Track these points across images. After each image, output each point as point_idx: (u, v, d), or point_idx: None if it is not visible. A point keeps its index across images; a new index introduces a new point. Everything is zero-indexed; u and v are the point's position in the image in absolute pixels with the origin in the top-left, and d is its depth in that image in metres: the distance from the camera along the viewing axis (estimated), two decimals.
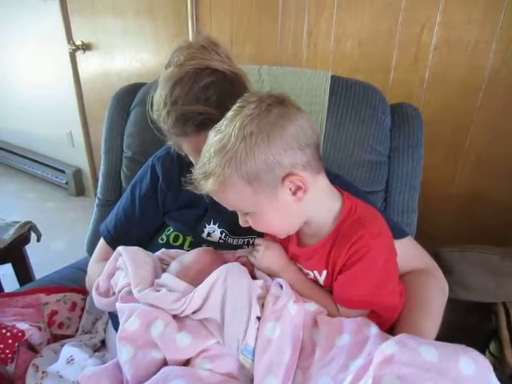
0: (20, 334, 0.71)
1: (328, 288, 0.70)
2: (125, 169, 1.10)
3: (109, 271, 0.75)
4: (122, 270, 0.73)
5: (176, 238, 0.83)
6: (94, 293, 0.74)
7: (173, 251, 0.78)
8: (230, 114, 0.60)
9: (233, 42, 1.58)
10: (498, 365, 1.02)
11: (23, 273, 1.30)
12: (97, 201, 1.15)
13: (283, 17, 1.44)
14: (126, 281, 0.69)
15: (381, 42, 1.30)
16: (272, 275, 0.71)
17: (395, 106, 1.01)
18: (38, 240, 1.33)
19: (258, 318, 0.63)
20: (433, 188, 1.35)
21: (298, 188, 0.59)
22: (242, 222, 0.66)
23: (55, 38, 2.18)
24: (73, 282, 1.01)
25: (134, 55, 1.95)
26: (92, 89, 2.23)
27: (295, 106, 0.61)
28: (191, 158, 0.76)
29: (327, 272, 0.67)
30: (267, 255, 0.71)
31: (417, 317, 0.69)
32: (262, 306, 0.64)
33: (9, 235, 1.22)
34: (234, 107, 0.60)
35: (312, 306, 0.66)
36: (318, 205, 0.64)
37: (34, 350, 0.75)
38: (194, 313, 0.63)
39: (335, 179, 0.74)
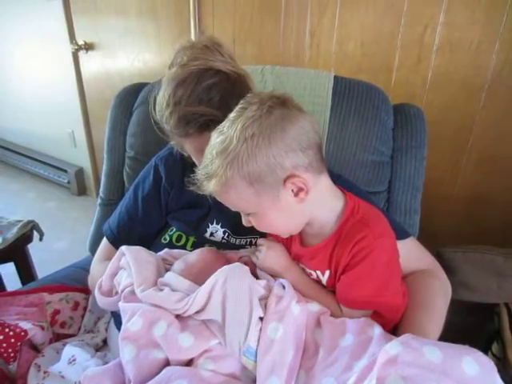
0: (23, 334, 0.72)
1: (331, 288, 0.69)
2: (127, 168, 1.10)
3: (112, 271, 0.75)
4: (124, 269, 0.73)
5: (179, 238, 0.83)
6: (96, 292, 0.74)
7: (176, 251, 0.78)
8: (232, 115, 0.60)
9: (235, 42, 1.58)
10: (501, 366, 1.02)
11: (25, 272, 1.31)
12: (99, 200, 1.15)
13: (286, 17, 1.44)
14: (128, 280, 0.69)
15: (383, 42, 1.30)
16: (274, 275, 0.71)
17: (398, 107, 1.00)
18: (41, 239, 1.33)
19: (261, 319, 0.62)
20: (435, 188, 1.35)
21: (300, 189, 0.59)
22: (245, 222, 0.67)
23: (58, 38, 2.18)
24: (75, 281, 1.01)
25: (136, 55, 1.95)
26: (94, 88, 2.23)
27: (297, 107, 0.61)
28: (194, 159, 0.76)
29: (330, 272, 0.67)
30: (269, 255, 0.71)
31: (420, 317, 0.69)
32: (265, 306, 0.64)
33: (12, 234, 1.23)
34: (236, 109, 0.60)
35: (315, 307, 0.66)
36: (321, 205, 0.64)
37: (36, 349, 0.75)
38: (196, 313, 0.63)
39: (338, 179, 0.74)
